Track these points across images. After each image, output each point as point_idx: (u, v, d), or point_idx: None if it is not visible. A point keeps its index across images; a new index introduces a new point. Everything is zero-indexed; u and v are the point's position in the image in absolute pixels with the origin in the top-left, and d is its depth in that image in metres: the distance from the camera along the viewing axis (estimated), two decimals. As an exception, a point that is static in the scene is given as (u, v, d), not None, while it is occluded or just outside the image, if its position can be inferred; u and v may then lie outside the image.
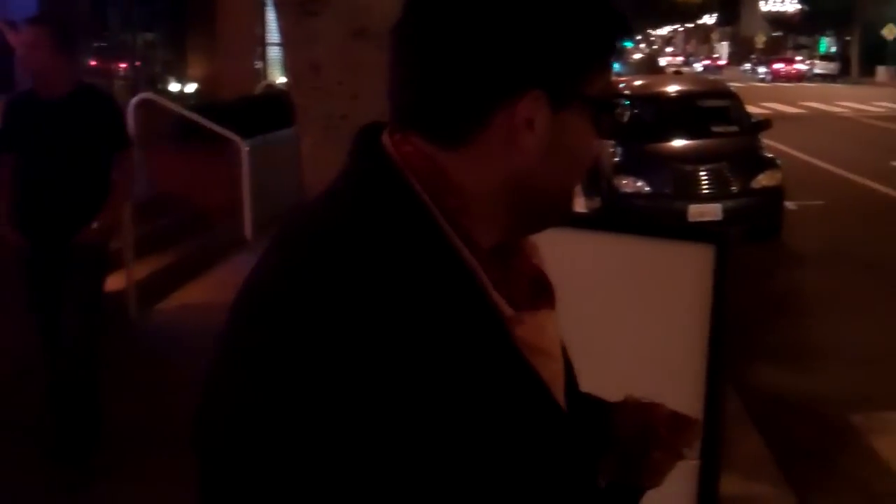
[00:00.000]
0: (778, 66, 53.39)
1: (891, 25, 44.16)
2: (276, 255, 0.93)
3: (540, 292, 1.06)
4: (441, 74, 0.93)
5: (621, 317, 1.80)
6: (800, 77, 50.47)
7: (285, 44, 2.56)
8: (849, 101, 30.78)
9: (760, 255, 9.21)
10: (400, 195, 0.92)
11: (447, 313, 0.88)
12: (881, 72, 46.28)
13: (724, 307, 1.80)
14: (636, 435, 1.23)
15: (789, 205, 10.63)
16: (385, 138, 0.97)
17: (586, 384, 1.85)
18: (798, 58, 55.80)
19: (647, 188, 9.39)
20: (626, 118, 10.65)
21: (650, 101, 11.17)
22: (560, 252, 1.89)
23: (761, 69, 55.27)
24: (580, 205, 10.77)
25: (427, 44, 0.93)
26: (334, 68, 2.47)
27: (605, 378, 1.84)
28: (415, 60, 0.95)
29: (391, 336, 0.83)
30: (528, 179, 0.96)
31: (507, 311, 0.94)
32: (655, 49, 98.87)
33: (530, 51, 0.92)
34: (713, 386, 1.81)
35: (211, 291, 6.84)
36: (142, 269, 6.71)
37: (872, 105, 29.28)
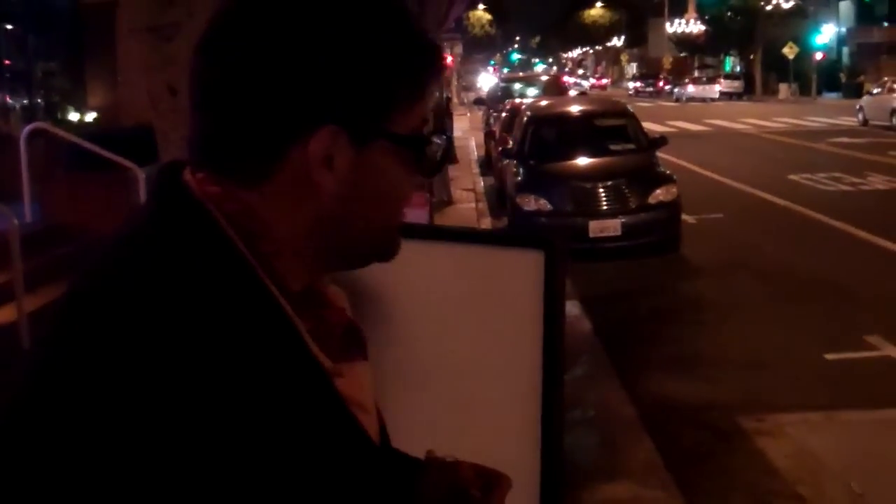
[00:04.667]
0: (594, 81, 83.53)
1: (791, 44, 45.70)
2: (76, 313, 0.83)
3: (351, 343, 1.01)
4: (232, 107, 0.88)
5: (453, 327, 1.81)
6: (604, 88, 74.90)
7: (142, 68, 2.57)
8: (752, 118, 31.74)
9: (659, 268, 9.43)
10: (211, 242, 0.86)
11: (271, 368, 0.83)
12: (783, 89, 47.87)
13: (556, 315, 1.82)
14: (444, 496, 1.19)
15: (689, 219, 10.92)
16: (188, 177, 0.91)
17: (420, 401, 1.88)
18: (702, 77, 57.61)
19: (549, 206, 9.55)
20: (527, 138, 10.85)
21: (551, 122, 11.40)
22: (389, 264, 1.93)
23: (585, 83, 77.13)
24: (486, 224, 10.92)
25: (217, 75, 0.88)
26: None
27: (440, 393, 1.88)
28: (206, 93, 0.90)
29: (211, 394, 0.77)
30: (337, 220, 0.92)
31: (327, 363, 0.90)
32: (566, 71, 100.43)
33: (324, 84, 0.87)
34: (549, 398, 1.81)
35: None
36: (34, 301, 6.56)
37: (774, 121, 30.23)
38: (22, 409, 0.78)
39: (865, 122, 27.43)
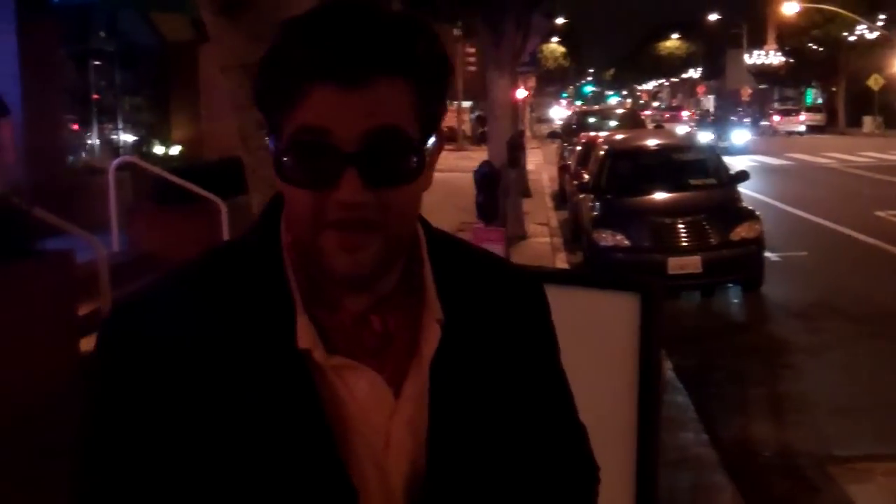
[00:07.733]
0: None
1: (876, 76, 44.61)
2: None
3: (385, 354, 1.00)
4: None
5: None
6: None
7: (233, 106, 2.60)
8: (835, 152, 31.05)
9: (741, 307, 9.23)
10: (264, 231, 1.03)
11: (242, 330, 0.96)
12: (867, 122, 46.73)
13: (652, 356, 1.79)
14: None
15: (772, 256, 10.68)
16: None
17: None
18: (784, 108, 56.79)
19: (627, 241, 9.39)
20: (604, 172, 10.73)
21: (628, 155, 11.26)
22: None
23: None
24: (561, 259, 10.82)
25: None
26: (280, 128, 2.51)
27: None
28: None
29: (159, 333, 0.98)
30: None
31: (303, 343, 0.96)
32: (642, 104, 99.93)
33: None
34: (644, 436, 1.79)
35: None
36: (119, 331, 6.68)
37: (858, 155, 29.54)
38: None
39: (954, 157, 26.67)
